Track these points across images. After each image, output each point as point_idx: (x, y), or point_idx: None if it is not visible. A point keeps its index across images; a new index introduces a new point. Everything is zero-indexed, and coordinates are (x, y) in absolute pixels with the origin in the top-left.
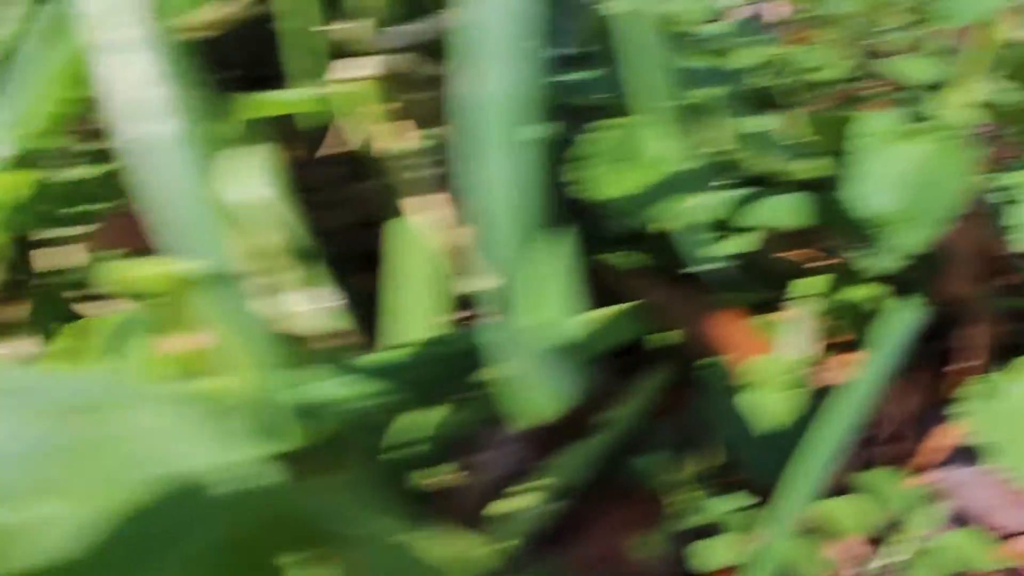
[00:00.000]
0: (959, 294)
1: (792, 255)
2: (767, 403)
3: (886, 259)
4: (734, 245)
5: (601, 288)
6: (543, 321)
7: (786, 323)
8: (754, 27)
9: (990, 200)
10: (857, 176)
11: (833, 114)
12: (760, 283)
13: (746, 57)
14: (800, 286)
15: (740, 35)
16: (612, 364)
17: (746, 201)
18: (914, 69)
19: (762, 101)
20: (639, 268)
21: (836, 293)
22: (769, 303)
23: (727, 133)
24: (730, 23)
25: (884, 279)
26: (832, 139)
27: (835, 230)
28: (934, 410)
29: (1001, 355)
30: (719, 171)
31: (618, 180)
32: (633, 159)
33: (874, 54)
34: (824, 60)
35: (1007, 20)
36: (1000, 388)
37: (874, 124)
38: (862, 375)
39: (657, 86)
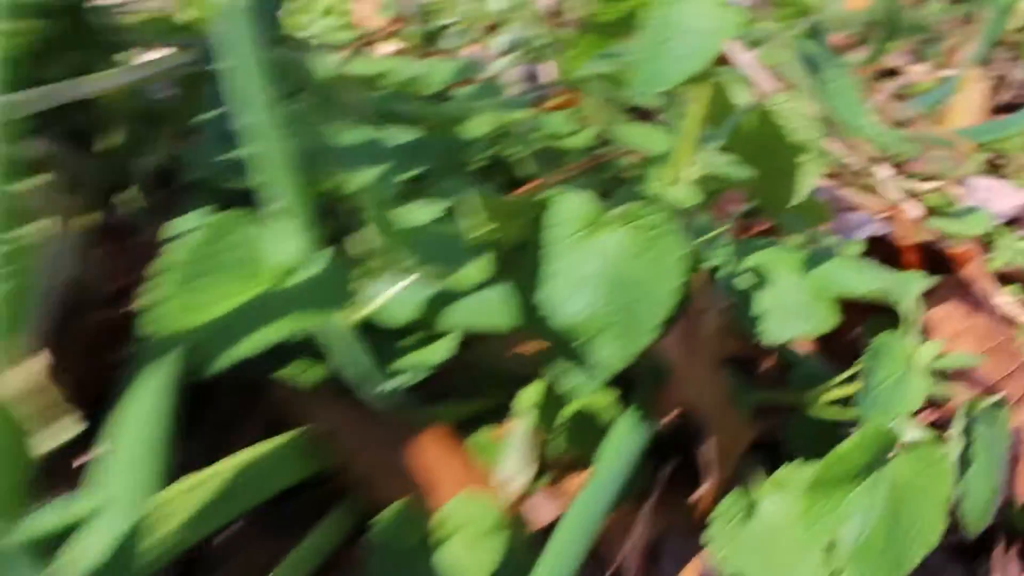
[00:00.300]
0: (692, 403)
1: (507, 360)
2: (466, 557)
3: (588, 376)
4: (426, 355)
5: (266, 413)
6: None
7: (496, 444)
8: (496, 90)
9: (728, 287)
10: (549, 275)
11: (520, 198)
12: (466, 396)
13: (477, 126)
14: (518, 399)
15: (481, 99)
16: (274, 515)
17: (437, 302)
18: (646, 139)
19: (486, 174)
20: (313, 386)
21: (552, 408)
22: (478, 419)
23: (384, 226)
24: (475, 86)
25: (610, 388)
26: (522, 228)
27: (537, 337)
28: (674, 537)
29: (756, 459)
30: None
31: (212, 298)
32: (240, 266)
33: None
34: (567, 127)
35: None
36: (749, 507)
37: (568, 209)
38: (583, 504)
39: (280, 167)
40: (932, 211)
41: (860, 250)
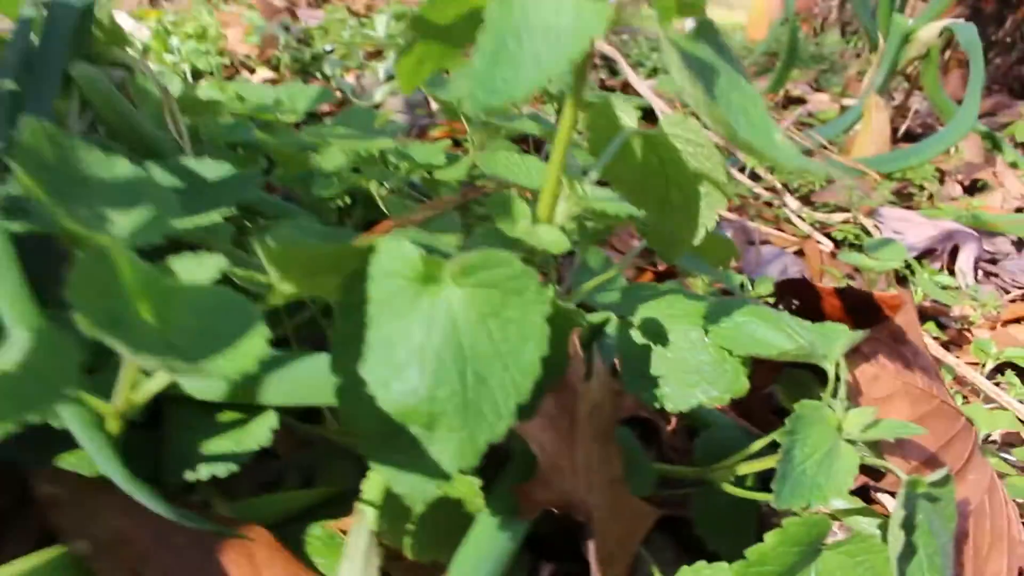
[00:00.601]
0: (567, 499)
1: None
2: None
3: (422, 478)
4: (242, 437)
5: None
6: None
7: (335, 543)
8: (367, 117)
9: (620, 344)
10: (371, 345)
11: (336, 246)
12: (301, 481)
13: (331, 157)
14: (363, 485)
15: (348, 126)
16: None
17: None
18: (517, 170)
19: (343, 211)
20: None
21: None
22: (315, 510)
23: (120, 287)
24: (345, 113)
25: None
26: (346, 282)
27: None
28: None
29: (662, 540)
30: None
31: None
32: None
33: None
34: (439, 158)
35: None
36: None
37: (395, 258)
38: None
39: None
40: (844, 244)
41: (772, 292)
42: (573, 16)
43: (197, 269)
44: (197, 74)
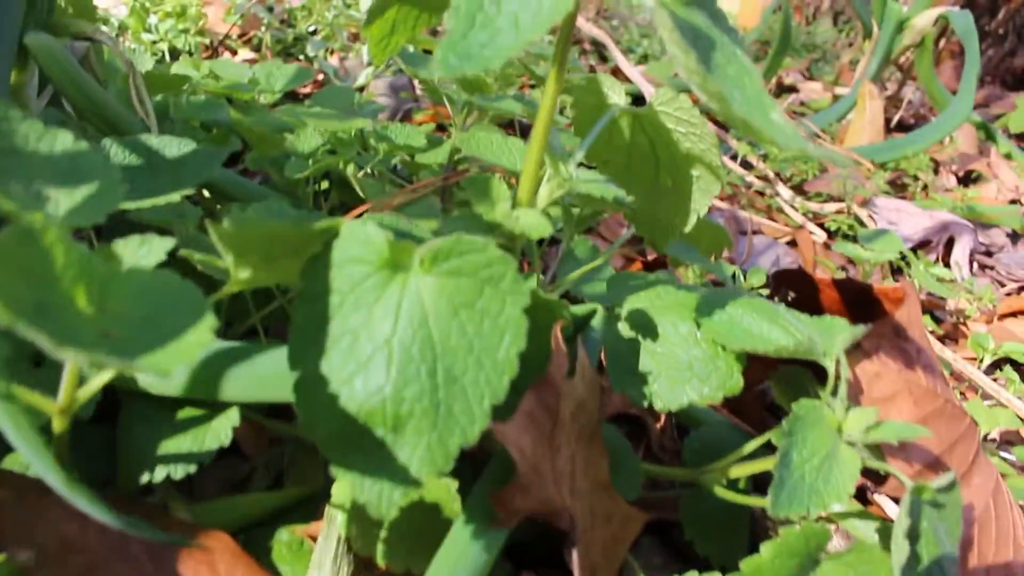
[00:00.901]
0: (548, 505)
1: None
2: None
3: (391, 483)
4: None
5: None
6: None
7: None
8: (346, 97)
9: (607, 338)
10: (334, 338)
11: (296, 228)
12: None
13: (306, 138)
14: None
15: (326, 107)
16: None
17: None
18: (499, 151)
19: (319, 194)
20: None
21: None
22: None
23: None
24: (323, 93)
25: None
26: (309, 268)
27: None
28: None
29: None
30: None
31: None
32: None
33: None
34: (420, 140)
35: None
36: None
37: (360, 244)
38: None
39: None
40: (838, 234)
41: (765, 283)
42: None
43: (143, 253)
44: (176, 54)
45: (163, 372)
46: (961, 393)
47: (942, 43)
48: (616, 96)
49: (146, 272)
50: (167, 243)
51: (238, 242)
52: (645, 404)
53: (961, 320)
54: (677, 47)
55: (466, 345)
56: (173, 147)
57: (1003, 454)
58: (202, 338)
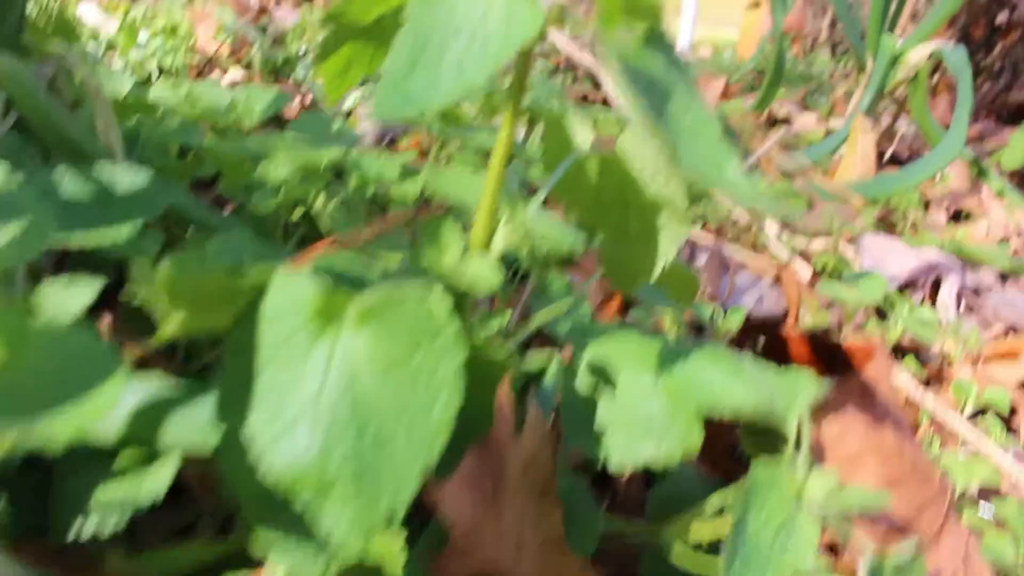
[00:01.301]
0: (491, 569)
1: None
2: None
3: (314, 556)
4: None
5: None
6: None
7: None
8: (322, 124)
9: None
10: (259, 396)
11: (223, 277)
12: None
13: (275, 167)
14: None
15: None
16: None
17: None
18: (461, 188)
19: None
20: None
21: None
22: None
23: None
24: (302, 119)
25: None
26: (242, 318)
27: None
28: None
29: None
30: None
31: None
32: None
33: None
34: (394, 171)
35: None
36: None
37: (290, 294)
38: None
39: None
40: (824, 272)
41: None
42: (504, 19)
43: (67, 297)
44: (165, 72)
45: (56, 441)
46: (941, 442)
47: (937, 76)
48: (583, 135)
49: (58, 330)
50: (93, 286)
51: (171, 289)
52: (600, 460)
53: (946, 363)
54: (625, 95)
55: (397, 406)
56: (125, 178)
57: (982, 507)
58: (106, 402)
